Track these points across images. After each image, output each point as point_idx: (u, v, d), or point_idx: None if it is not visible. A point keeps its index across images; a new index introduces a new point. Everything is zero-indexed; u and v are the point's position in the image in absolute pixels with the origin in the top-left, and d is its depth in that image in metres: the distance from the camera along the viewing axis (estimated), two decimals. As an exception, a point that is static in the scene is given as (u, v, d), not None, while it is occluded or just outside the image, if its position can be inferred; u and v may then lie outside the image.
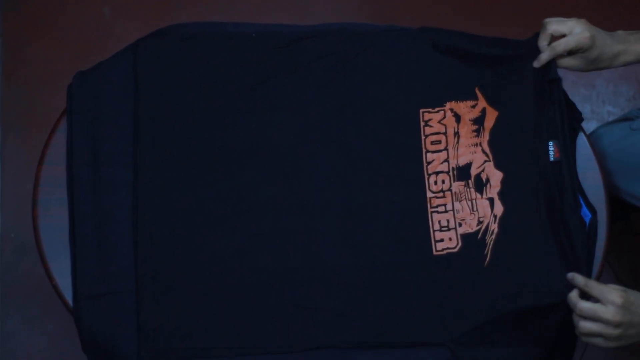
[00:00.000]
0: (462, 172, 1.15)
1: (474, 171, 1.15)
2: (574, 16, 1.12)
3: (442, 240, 1.13)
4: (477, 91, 1.16)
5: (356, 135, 1.16)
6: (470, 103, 1.16)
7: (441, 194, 1.14)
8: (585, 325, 1.01)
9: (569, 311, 1.04)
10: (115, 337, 1.08)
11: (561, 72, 1.13)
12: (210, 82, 1.16)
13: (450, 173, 1.15)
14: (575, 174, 1.13)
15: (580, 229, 1.10)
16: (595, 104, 1.86)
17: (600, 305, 1.00)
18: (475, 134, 1.15)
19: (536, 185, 1.11)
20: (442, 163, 1.15)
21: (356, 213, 1.13)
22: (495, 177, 1.14)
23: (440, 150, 1.16)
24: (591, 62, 1.12)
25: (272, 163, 1.14)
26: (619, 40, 1.12)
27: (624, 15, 1.88)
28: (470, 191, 1.14)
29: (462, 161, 1.15)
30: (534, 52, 1.13)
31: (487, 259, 1.11)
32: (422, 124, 1.16)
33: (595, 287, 1.02)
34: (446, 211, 1.14)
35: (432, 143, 1.16)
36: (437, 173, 1.15)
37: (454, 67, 1.17)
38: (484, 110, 1.16)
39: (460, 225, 1.13)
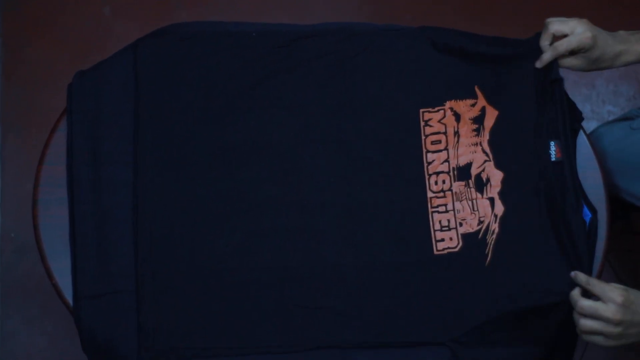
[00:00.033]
0: (463, 172, 1.15)
1: (474, 171, 1.15)
2: (574, 16, 1.13)
3: (442, 240, 1.13)
4: (476, 90, 1.16)
5: (356, 134, 1.16)
6: (469, 102, 1.16)
7: (442, 194, 1.14)
8: (585, 323, 1.01)
9: (569, 311, 1.04)
10: (115, 337, 1.08)
11: (562, 72, 1.13)
12: (210, 81, 1.16)
13: (451, 173, 1.15)
14: (576, 174, 1.13)
15: (582, 229, 1.10)
16: (596, 104, 1.86)
17: (601, 304, 1.00)
18: (475, 133, 1.15)
19: (537, 185, 1.11)
20: (442, 163, 1.15)
21: (356, 212, 1.13)
22: (496, 176, 1.14)
23: (440, 150, 1.16)
24: (593, 62, 1.12)
25: (272, 162, 1.14)
26: (620, 40, 1.12)
27: (624, 15, 1.88)
28: (470, 191, 1.14)
29: (462, 161, 1.15)
30: (535, 51, 1.13)
31: (488, 259, 1.11)
32: (422, 123, 1.16)
33: (596, 285, 1.02)
34: (447, 211, 1.14)
35: (433, 143, 1.16)
36: (437, 173, 1.15)
37: (454, 66, 1.17)
38: (483, 109, 1.16)
39: (460, 225, 1.13)
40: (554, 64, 1.12)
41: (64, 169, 1.14)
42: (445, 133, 1.16)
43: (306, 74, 1.17)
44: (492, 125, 1.15)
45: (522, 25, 1.33)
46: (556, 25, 1.11)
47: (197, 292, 1.10)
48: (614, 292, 0.99)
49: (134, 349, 1.07)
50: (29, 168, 1.30)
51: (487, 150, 1.15)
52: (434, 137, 1.16)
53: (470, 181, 1.14)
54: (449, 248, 1.12)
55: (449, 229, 1.13)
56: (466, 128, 1.16)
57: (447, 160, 1.15)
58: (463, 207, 1.14)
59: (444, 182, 1.15)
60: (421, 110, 1.17)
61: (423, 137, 1.16)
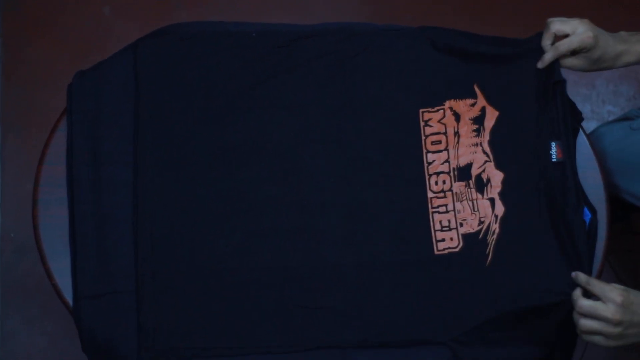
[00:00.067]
0: (463, 173, 1.15)
1: (474, 171, 1.15)
2: (575, 16, 1.12)
3: (443, 240, 1.13)
4: (476, 89, 1.16)
5: (356, 134, 1.16)
6: (469, 101, 1.16)
7: (442, 194, 1.14)
8: (585, 323, 1.01)
9: (569, 311, 1.04)
10: (115, 337, 1.08)
11: (562, 72, 1.13)
12: (210, 81, 1.16)
13: (451, 173, 1.15)
14: (577, 175, 1.13)
15: (582, 229, 1.10)
16: (596, 104, 1.86)
17: (601, 303, 1.00)
18: (476, 133, 1.15)
19: (537, 186, 1.11)
20: (442, 163, 1.15)
21: (356, 212, 1.13)
22: (496, 177, 1.14)
23: (440, 151, 1.16)
24: (594, 62, 1.12)
25: (272, 162, 1.14)
26: (621, 41, 1.12)
27: (624, 15, 1.88)
28: (471, 191, 1.14)
29: (462, 161, 1.15)
30: (535, 51, 1.13)
31: (489, 259, 1.11)
32: (422, 123, 1.16)
33: (596, 285, 1.02)
34: (447, 211, 1.14)
35: (433, 143, 1.16)
36: (437, 173, 1.15)
37: (453, 66, 1.17)
38: (483, 109, 1.16)
39: (461, 225, 1.13)
40: (555, 64, 1.12)
41: (64, 169, 1.14)
42: (445, 133, 1.16)
43: (306, 74, 1.17)
44: (493, 126, 1.15)
45: (522, 25, 1.33)
46: (557, 24, 1.11)
47: (197, 292, 1.10)
48: (613, 292, 0.99)
49: (134, 349, 1.07)
50: (29, 168, 1.30)
51: (488, 150, 1.15)
52: (434, 138, 1.16)
53: (470, 181, 1.14)
54: (449, 248, 1.12)
55: (450, 229, 1.13)
56: (466, 128, 1.16)
57: (447, 161, 1.15)
58: (463, 208, 1.14)
59: (444, 182, 1.15)
60: (421, 110, 1.17)
61: (423, 137, 1.16)
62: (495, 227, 1.12)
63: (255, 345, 1.09)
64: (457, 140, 1.16)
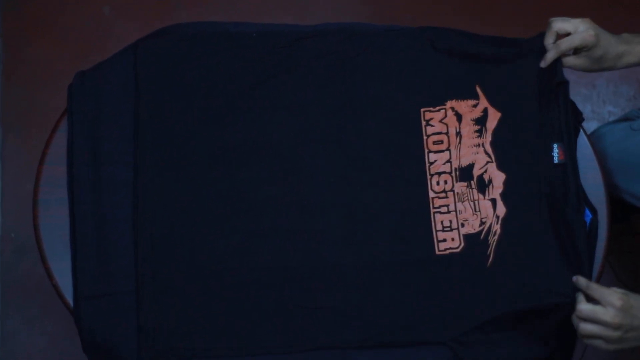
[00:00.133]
0: (465, 173, 1.15)
1: (476, 172, 1.15)
2: (575, 16, 1.12)
3: (444, 240, 1.13)
4: (478, 90, 1.16)
5: (356, 134, 1.16)
6: (471, 102, 1.16)
7: (443, 195, 1.14)
8: (585, 327, 1.01)
9: (569, 311, 1.04)
10: (115, 337, 1.08)
11: (564, 73, 1.13)
12: (210, 82, 1.16)
13: (453, 174, 1.15)
14: (578, 176, 1.13)
15: (582, 230, 1.10)
16: (596, 104, 1.86)
17: (600, 308, 1.00)
18: (478, 134, 1.15)
19: (538, 187, 1.11)
20: (444, 164, 1.15)
21: (356, 212, 1.13)
22: (498, 178, 1.14)
23: (442, 151, 1.15)
24: (595, 61, 1.12)
25: (272, 162, 1.14)
26: (624, 41, 1.12)
27: (624, 15, 1.88)
28: (472, 192, 1.14)
29: (464, 162, 1.15)
30: (538, 51, 1.13)
31: (490, 260, 1.11)
32: (423, 123, 1.16)
33: (596, 289, 1.02)
34: (449, 212, 1.14)
35: (434, 143, 1.16)
36: (439, 174, 1.15)
37: (454, 67, 1.17)
38: (485, 110, 1.16)
39: (462, 225, 1.13)
40: (558, 65, 1.12)
41: (64, 169, 1.14)
42: (447, 133, 1.16)
43: (306, 74, 1.17)
44: (495, 127, 1.15)
45: (522, 25, 1.33)
46: (559, 23, 1.11)
47: (197, 292, 1.10)
48: (612, 296, 1.00)
49: (134, 349, 1.07)
50: (29, 168, 1.30)
51: (490, 151, 1.15)
52: (436, 137, 1.16)
53: (472, 182, 1.14)
54: (450, 248, 1.12)
55: (451, 230, 1.13)
56: (468, 129, 1.16)
57: (449, 161, 1.15)
58: (465, 208, 1.14)
59: (445, 182, 1.15)
60: (422, 109, 1.17)
61: (425, 137, 1.16)
62: (497, 228, 1.12)
63: (256, 346, 1.09)
64: (459, 141, 1.16)
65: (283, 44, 1.18)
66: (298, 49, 1.18)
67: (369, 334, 1.09)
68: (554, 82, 1.12)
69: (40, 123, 1.64)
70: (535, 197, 1.11)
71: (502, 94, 1.15)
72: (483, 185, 1.14)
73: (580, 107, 1.19)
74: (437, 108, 1.17)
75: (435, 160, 1.15)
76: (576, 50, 1.11)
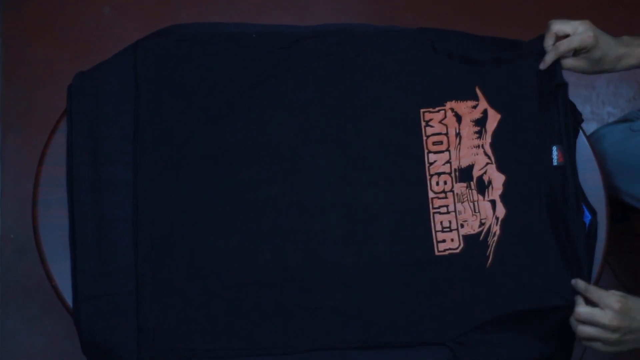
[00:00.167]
0: (464, 174, 1.15)
1: (476, 173, 1.15)
2: (574, 17, 1.13)
3: (444, 240, 1.13)
4: (477, 91, 1.16)
5: (356, 134, 1.16)
6: (471, 103, 1.16)
7: (443, 195, 1.14)
8: (583, 330, 1.01)
9: (568, 313, 1.04)
10: (115, 337, 1.08)
11: (563, 74, 1.13)
12: (210, 82, 1.16)
13: (452, 174, 1.15)
14: (577, 178, 1.13)
15: (582, 231, 1.10)
16: (596, 105, 1.86)
17: (599, 310, 1.00)
18: (477, 135, 1.15)
19: (538, 188, 1.11)
20: (444, 164, 1.15)
21: (356, 212, 1.13)
22: (498, 179, 1.14)
23: (442, 151, 1.16)
24: (595, 62, 1.12)
25: (272, 162, 1.14)
26: (623, 44, 1.12)
27: (624, 15, 1.88)
28: (472, 193, 1.14)
29: (464, 163, 1.15)
30: (537, 54, 1.13)
31: (489, 261, 1.11)
32: (422, 123, 1.16)
33: (594, 292, 1.02)
34: (448, 212, 1.14)
35: (434, 144, 1.16)
36: (439, 174, 1.15)
37: (454, 68, 1.17)
38: (485, 112, 1.16)
39: (462, 226, 1.13)
40: (557, 67, 1.12)
41: (64, 169, 1.14)
42: (446, 134, 1.16)
43: (306, 74, 1.17)
44: (495, 129, 1.15)
45: (522, 25, 1.33)
46: (558, 25, 1.11)
47: (197, 292, 1.10)
48: (611, 299, 1.00)
49: (133, 349, 1.07)
50: (29, 168, 1.30)
51: (489, 152, 1.15)
52: (436, 138, 1.16)
53: (472, 183, 1.14)
54: (450, 249, 1.12)
55: (450, 230, 1.13)
56: (468, 130, 1.16)
57: (448, 162, 1.15)
58: (464, 209, 1.14)
59: (445, 183, 1.15)
60: (422, 110, 1.17)
61: (424, 138, 1.16)
62: (496, 229, 1.12)
63: (256, 346, 1.09)
64: (459, 142, 1.16)
65: (283, 45, 1.18)
66: (298, 49, 1.18)
67: (369, 334, 1.09)
68: (553, 84, 1.12)
69: (40, 123, 1.64)
70: (535, 198, 1.11)
71: (502, 96, 1.15)
72: (483, 187, 1.14)
73: (579, 108, 1.19)
74: (437, 109, 1.17)
75: (435, 161, 1.15)
76: (575, 52, 1.11)
